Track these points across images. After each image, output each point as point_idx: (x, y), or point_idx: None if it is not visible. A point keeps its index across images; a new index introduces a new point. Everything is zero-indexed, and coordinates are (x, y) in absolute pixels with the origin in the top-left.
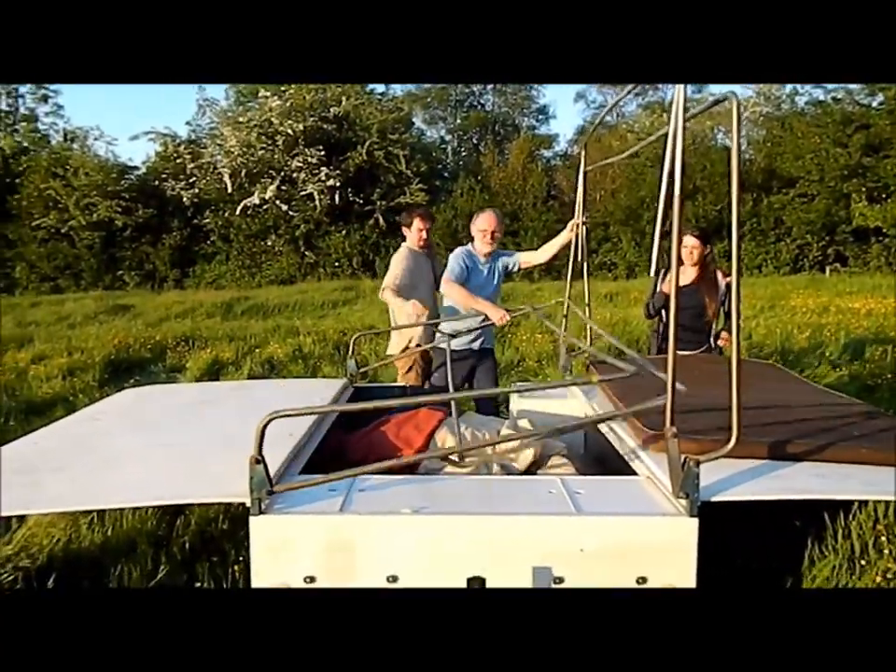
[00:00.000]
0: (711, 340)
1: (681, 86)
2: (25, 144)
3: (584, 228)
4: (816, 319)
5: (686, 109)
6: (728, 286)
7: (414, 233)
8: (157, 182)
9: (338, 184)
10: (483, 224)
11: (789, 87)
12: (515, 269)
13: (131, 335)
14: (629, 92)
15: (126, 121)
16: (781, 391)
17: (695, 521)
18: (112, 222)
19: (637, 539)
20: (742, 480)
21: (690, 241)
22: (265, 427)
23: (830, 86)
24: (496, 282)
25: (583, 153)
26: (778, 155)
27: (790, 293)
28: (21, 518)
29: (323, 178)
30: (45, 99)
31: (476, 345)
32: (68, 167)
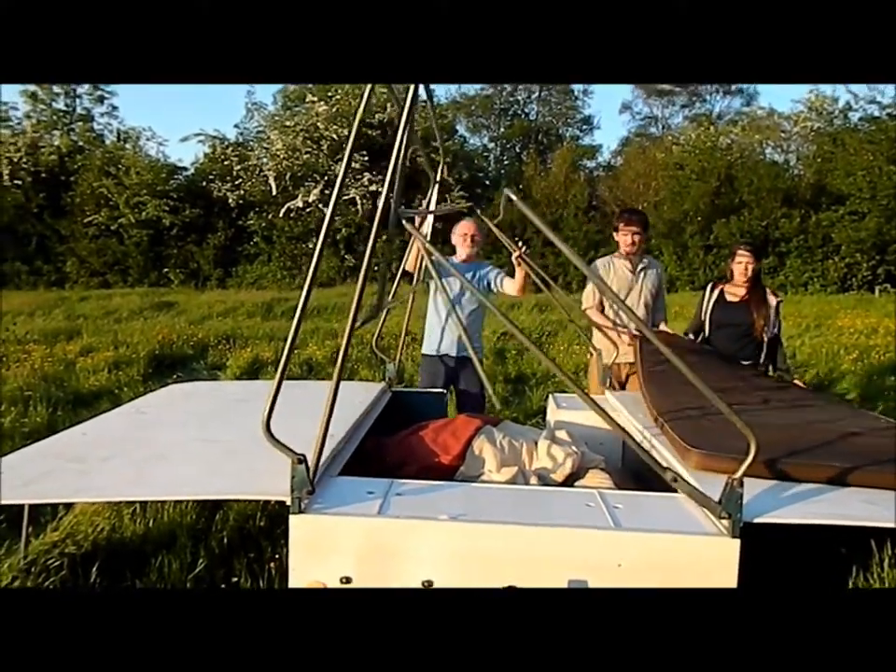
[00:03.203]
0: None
1: (412, 86)
2: (80, 143)
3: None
4: (864, 341)
5: (412, 111)
6: (778, 305)
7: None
8: (204, 183)
9: (380, 189)
10: (462, 229)
11: (842, 102)
12: (496, 290)
13: (174, 332)
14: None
15: (177, 123)
16: (829, 415)
17: (737, 542)
18: (160, 221)
19: (676, 558)
20: (787, 502)
21: (744, 256)
22: None
23: (885, 100)
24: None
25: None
26: (829, 171)
27: (837, 312)
28: (69, 505)
29: (366, 183)
30: (101, 100)
31: (454, 352)
32: (120, 166)
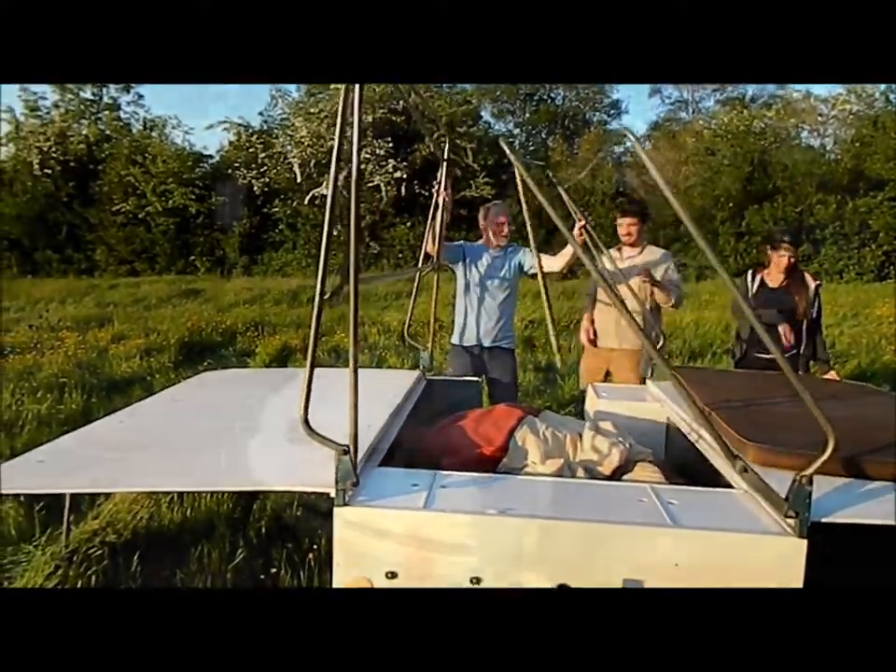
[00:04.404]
0: (802, 346)
1: (356, 86)
2: (108, 132)
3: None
4: None
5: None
6: (818, 288)
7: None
8: (229, 170)
9: (404, 176)
10: (500, 217)
11: (883, 84)
12: (531, 271)
13: (203, 319)
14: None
15: (202, 111)
16: (880, 410)
17: (804, 542)
18: (186, 209)
19: (738, 558)
20: (855, 501)
21: (788, 250)
22: None
23: None
24: (508, 276)
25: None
26: (868, 156)
27: (874, 301)
28: (108, 494)
29: (390, 170)
30: (127, 89)
31: (487, 341)
32: (147, 155)
